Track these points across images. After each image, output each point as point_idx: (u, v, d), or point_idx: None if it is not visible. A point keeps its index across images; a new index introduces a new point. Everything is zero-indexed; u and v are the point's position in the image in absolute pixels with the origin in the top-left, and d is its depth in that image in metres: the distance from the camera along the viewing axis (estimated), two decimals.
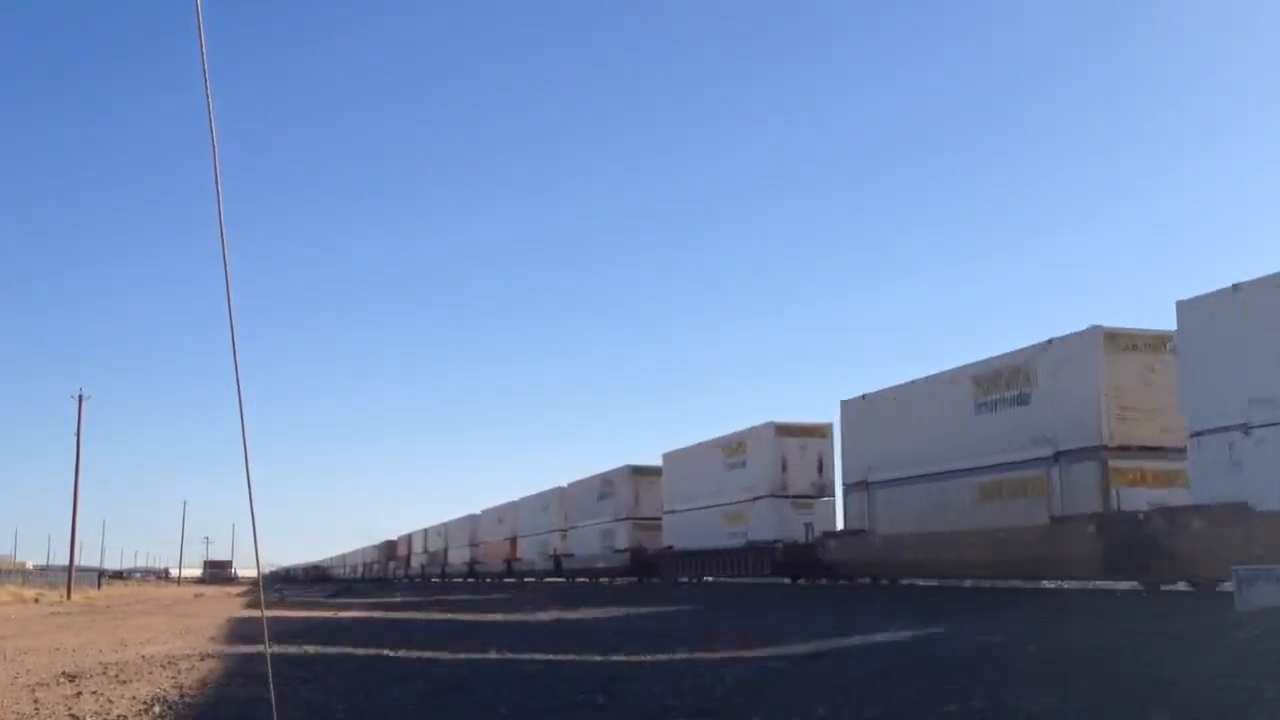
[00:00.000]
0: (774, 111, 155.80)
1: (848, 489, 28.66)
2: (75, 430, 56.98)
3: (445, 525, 76.25)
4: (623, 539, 43.99)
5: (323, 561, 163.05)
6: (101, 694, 11.05)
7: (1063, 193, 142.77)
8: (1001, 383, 22.71)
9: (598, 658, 14.24)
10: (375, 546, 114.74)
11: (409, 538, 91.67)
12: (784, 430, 32.37)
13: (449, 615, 28.07)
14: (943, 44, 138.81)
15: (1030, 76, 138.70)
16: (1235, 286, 16.87)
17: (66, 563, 63.09)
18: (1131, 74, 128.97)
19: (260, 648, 15.07)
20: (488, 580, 62.62)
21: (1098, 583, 21.64)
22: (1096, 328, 20.23)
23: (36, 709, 10.02)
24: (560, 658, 14.57)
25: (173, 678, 12.63)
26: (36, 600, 46.93)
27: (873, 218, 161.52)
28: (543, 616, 24.98)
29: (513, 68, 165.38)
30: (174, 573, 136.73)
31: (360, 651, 16.37)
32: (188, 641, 19.12)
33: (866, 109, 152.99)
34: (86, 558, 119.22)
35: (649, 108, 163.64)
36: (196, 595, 62.89)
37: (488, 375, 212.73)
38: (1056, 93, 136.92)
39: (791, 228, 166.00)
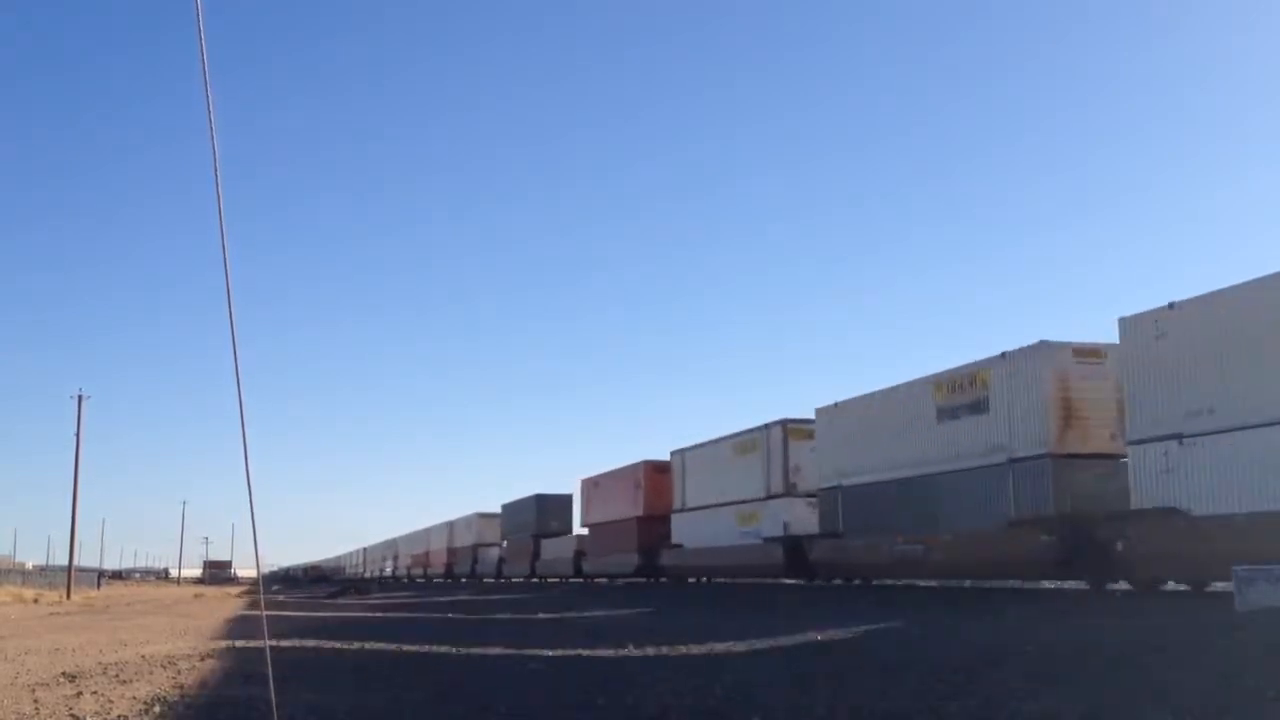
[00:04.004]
0: (774, 111, 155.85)
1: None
2: (75, 430, 57.06)
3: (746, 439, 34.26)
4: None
5: (331, 559, 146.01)
6: (101, 694, 11.04)
7: (1061, 192, 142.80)
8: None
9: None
10: (465, 521, 68.75)
11: (594, 485, 46.86)
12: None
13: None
14: (942, 44, 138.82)
15: (1028, 77, 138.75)
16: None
17: (66, 563, 63.16)
18: (1130, 74, 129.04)
19: (260, 647, 15.07)
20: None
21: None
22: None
23: (37, 709, 10.02)
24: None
25: (173, 678, 12.62)
26: (36, 600, 46.92)
27: (873, 218, 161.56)
28: None
29: (513, 68, 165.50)
30: (173, 573, 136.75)
31: (361, 652, 16.36)
32: (187, 641, 19.11)
33: (868, 109, 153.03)
34: (86, 558, 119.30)
35: (649, 108, 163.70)
36: (196, 595, 62.86)
37: (488, 376, 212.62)
38: (1055, 92, 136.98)
39: (792, 227, 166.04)
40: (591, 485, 47.89)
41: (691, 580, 38.07)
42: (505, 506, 61.53)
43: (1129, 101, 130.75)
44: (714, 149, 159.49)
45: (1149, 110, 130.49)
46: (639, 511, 40.38)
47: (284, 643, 17.52)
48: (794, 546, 29.66)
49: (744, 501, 32.78)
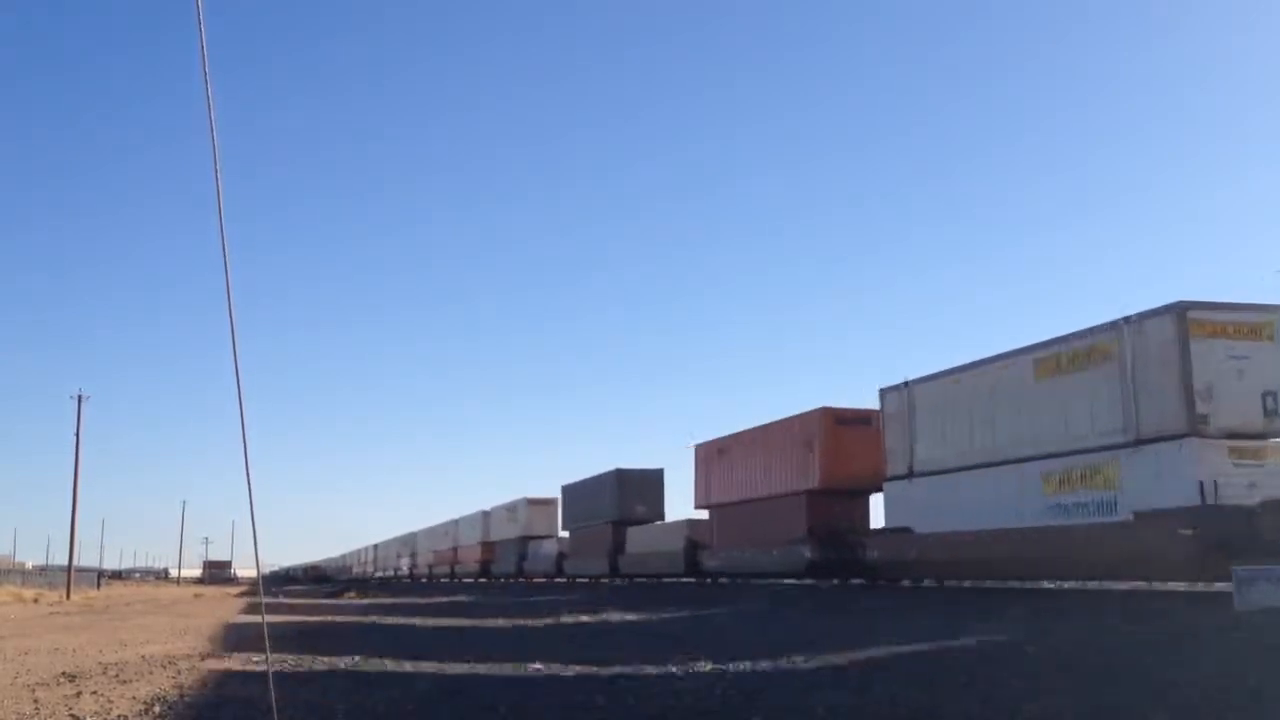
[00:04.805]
0: (773, 111, 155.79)
1: None
2: (75, 430, 57.05)
3: None
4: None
5: (335, 557, 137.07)
6: (101, 694, 11.04)
7: (1061, 192, 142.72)
8: None
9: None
10: (509, 509, 57.74)
11: (720, 451, 35.19)
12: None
13: None
14: (942, 44, 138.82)
15: (1028, 77, 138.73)
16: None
17: (66, 563, 63.12)
18: (1130, 74, 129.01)
19: (259, 647, 15.07)
20: None
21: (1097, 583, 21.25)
22: None
23: (36, 709, 10.02)
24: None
25: (172, 678, 12.62)
26: (36, 600, 46.89)
27: (873, 218, 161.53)
28: None
29: (513, 68, 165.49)
30: (173, 573, 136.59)
31: (360, 652, 16.35)
32: (187, 642, 19.11)
33: (868, 109, 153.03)
34: (86, 558, 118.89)
35: (649, 108, 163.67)
36: (196, 595, 62.86)
37: (488, 376, 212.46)
38: (1055, 92, 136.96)
39: (792, 227, 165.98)
40: (714, 452, 35.51)
41: (907, 582, 26.11)
42: (568, 489, 51.09)
43: (1129, 101, 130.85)
44: (714, 149, 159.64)
45: (1149, 110, 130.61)
46: (812, 483, 28.63)
47: (284, 643, 17.52)
48: (1226, 527, 16.74)
49: (1068, 453, 19.84)
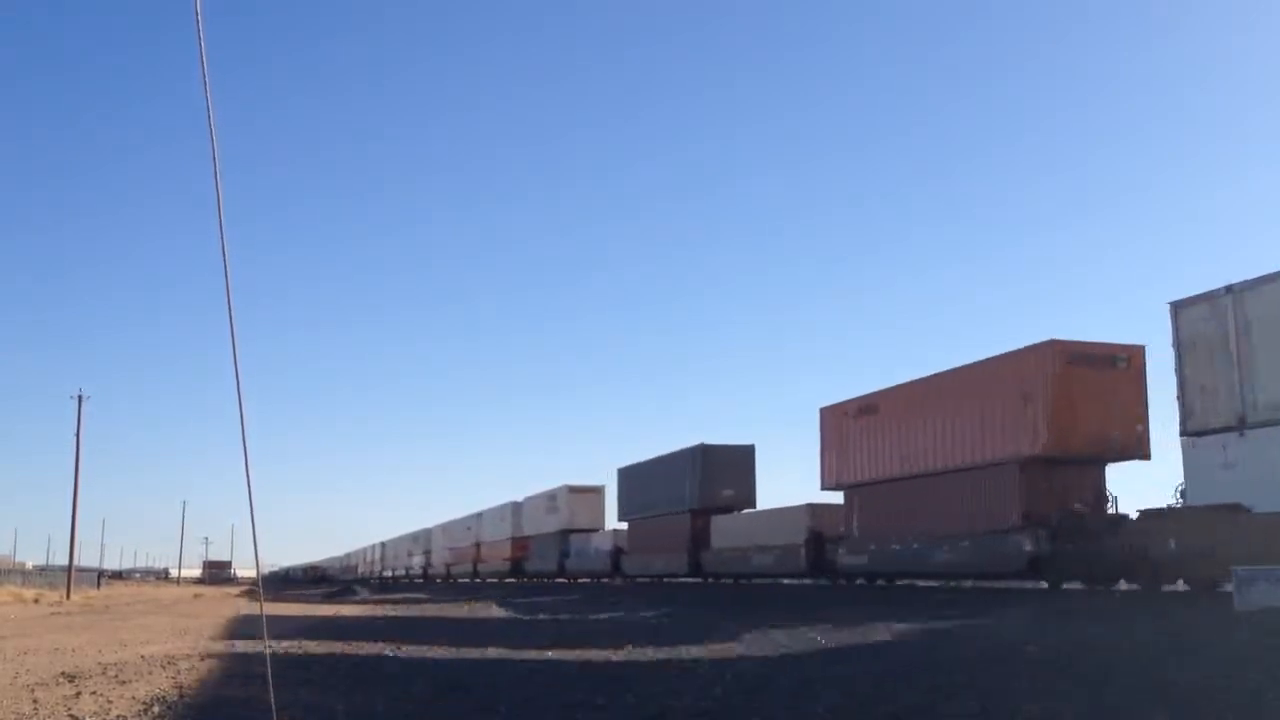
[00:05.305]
0: (774, 111, 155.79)
1: None
2: (75, 430, 57.03)
3: None
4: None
5: (339, 556, 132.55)
6: (101, 694, 11.03)
7: (1061, 192, 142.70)
8: None
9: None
10: (546, 498, 52.03)
11: (863, 411, 27.58)
12: None
13: None
14: (942, 44, 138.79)
15: (1028, 77, 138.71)
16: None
17: (66, 563, 63.09)
18: (1130, 74, 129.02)
19: (259, 647, 15.06)
20: None
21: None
22: None
23: (36, 709, 10.01)
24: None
25: (172, 678, 12.61)
26: (36, 600, 46.87)
27: (873, 218, 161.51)
28: None
29: (513, 68, 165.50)
30: (173, 573, 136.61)
31: (360, 651, 16.34)
32: (187, 642, 19.10)
33: (868, 109, 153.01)
34: (86, 558, 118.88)
35: (649, 108, 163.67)
36: (196, 595, 62.86)
37: (488, 376, 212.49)
38: (1055, 92, 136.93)
39: (792, 227, 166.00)
40: (853, 415, 27.73)
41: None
42: (626, 472, 43.69)
43: (1129, 101, 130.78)
44: (714, 149, 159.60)
45: (1149, 110, 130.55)
46: (1031, 447, 21.45)
47: (283, 643, 17.51)
48: None
49: None
